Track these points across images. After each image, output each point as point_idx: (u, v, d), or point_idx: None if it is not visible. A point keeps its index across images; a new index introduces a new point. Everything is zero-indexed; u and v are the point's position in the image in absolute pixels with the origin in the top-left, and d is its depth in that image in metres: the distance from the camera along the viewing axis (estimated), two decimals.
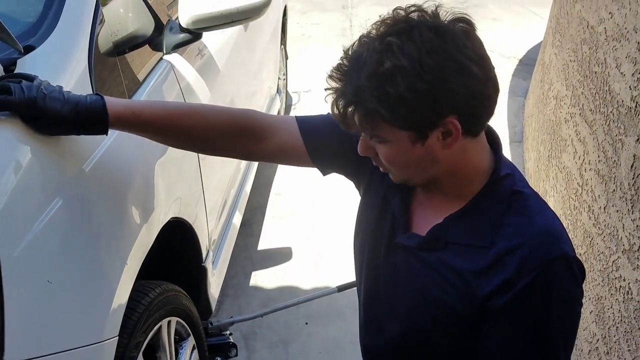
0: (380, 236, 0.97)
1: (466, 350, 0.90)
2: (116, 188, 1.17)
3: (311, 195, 3.16)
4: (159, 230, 1.31)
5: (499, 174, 0.88)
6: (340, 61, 0.84)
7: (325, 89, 0.85)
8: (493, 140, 0.92)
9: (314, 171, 3.81)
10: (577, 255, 0.88)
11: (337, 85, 0.84)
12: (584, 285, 0.86)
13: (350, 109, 0.82)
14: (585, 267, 0.89)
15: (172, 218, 1.44)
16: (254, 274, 2.65)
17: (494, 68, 0.83)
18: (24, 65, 1.05)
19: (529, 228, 0.85)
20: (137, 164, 1.27)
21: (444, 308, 0.88)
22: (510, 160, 0.97)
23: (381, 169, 0.92)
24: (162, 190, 1.36)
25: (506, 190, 0.87)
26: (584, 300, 1.97)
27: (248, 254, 2.76)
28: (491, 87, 0.82)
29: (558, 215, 0.96)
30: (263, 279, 2.62)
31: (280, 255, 2.76)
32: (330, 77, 0.85)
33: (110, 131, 1.15)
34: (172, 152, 1.51)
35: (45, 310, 0.90)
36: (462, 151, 0.85)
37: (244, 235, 2.83)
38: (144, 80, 1.44)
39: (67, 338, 0.94)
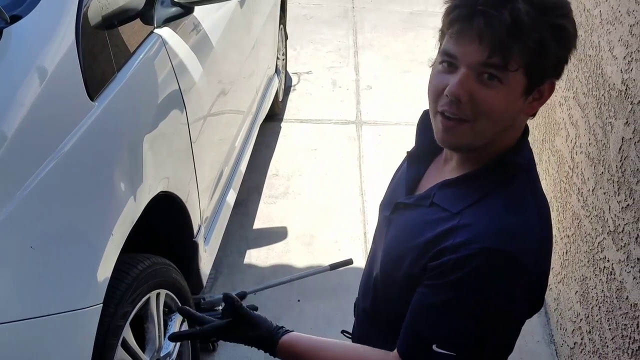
0: (392, 199, 1.02)
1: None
2: (103, 159, 1.19)
3: (307, 176, 3.18)
4: (147, 203, 1.33)
5: (508, 159, 0.88)
6: None
7: (479, 6, 0.78)
8: (524, 130, 0.93)
9: (311, 152, 3.79)
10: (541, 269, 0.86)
11: (499, 2, 0.77)
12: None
13: (511, 31, 0.77)
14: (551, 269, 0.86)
15: (161, 192, 1.46)
16: (248, 252, 2.68)
17: None
18: (10, 35, 1.06)
19: (493, 216, 0.84)
20: (125, 137, 1.29)
21: (410, 257, 0.91)
22: None
23: (448, 123, 0.84)
24: (151, 164, 1.39)
25: (504, 175, 0.88)
26: (569, 281, 1.96)
27: (243, 232, 2.79)
28: None
29: (549, 200, 0.95)
30: (257, 257, 2.65)
31: (275, 235, 2.79)
32: None
33: (96, 102, 1.17)
34: (162, 128, 1.53)
35: (27, 275, 0.92)
36: (518, 127, 0.88)
37: (239, 215, 2.85)
38: (134, 53, 1.45)
39: (50, 303, 0.97)
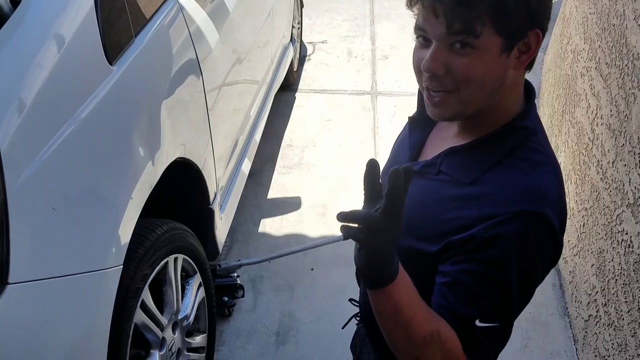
0: (395, 165, 1.00)
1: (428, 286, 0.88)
2: (123, 124, 1.19)
3: (321, 147, 3.17)
4: (165, 168, 1.34)
5: (517, 124, 0.88)
6: None
7: None
8: (529, 92, 0.92)
9: (326, 123, 3.76)
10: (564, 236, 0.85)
11: None
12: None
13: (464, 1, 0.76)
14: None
15: (179, 158, 1.47)
16: (262, 221, 2.70)
17: None
18: None
19: (515, 180, 0.84)
20: (143, 102, 1.29)
21: (422, 229, 0.90)
22: None
23: (432, 99, 0.85)
24: (169, 130, 1.39)
25: (515, 140, 0.87)
26: (585, 254, 1.94)
27: (257, 202, 2.80)
28: None
29: (567, 172, 0.93)
30: (271, 226, 2.67)
31: (289, 205, 2.80)
32: None
33: (115, 66, 1.17)
34: (179, 94, 1.53)
35: (49, 236, 0.94)
36: (512, 85, 0.85)
37: (253, 184, 2.86)
38: (151, 18, 1.44)
39: (72, 263, 0.98)
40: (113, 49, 1.23)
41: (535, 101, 0.97)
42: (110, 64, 1.20)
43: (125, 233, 1.13)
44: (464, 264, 0.84)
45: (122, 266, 1.11)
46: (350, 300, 1.25)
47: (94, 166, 1.08)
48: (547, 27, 0.82)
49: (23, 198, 0.90)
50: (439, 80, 0.83)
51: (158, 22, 1.47)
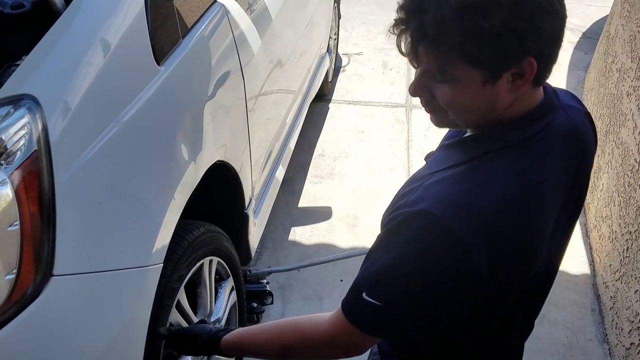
0: None
1: None
2: (168, 124, 1.19)
3: (354, 158, 3.15)
4: (205, 170, 1.34)
5: (499, 131, 0.83)
6: None
7: (395, 20, 0.78)
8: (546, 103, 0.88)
9: (358, 134, 3.74)
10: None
11: (409, 15, 0.77)
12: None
13: (424, 43, 0.77)
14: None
15: (218, 161, 1.47)
16: (293, 229, 2.69)
17: None
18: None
19: (451, 184, 0.82)
20: (188, 103, 1.29)
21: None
22: None
23: (427, 109, 0.86)
24: (211, 132, 1.39)
25: (489, 147, 0.83)
26: (629, 279, 1.87)
27: (288, 210, 2.79)
28: (564, 28, 0.79)
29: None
30: (301, 235, 2.66)
31: (320, 214, 2.78)
32: (403, 7, 0.77)
33: (162, 67, 1.17)
34: (222, 97, 1.53)
35: (94, 230, 0.94)
36: (511, 101, 0.81)
37: (285, 192, 2.86)
38: (198, 20, 1.45)
39: (115, 258, 0.98)
40: (161, 49, 1.24)
41: None
42: (158, 64, 1.20)
43: (167, 232, 1.12)
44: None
45: (162, 264, 1.10)
46: None
47: (138, 165, 1.08)
48: (547, 52, 0.78)
49: (71, 191, 0.90)
50: (428, 102, 0.84)
51: (204, 25, 1.48)
